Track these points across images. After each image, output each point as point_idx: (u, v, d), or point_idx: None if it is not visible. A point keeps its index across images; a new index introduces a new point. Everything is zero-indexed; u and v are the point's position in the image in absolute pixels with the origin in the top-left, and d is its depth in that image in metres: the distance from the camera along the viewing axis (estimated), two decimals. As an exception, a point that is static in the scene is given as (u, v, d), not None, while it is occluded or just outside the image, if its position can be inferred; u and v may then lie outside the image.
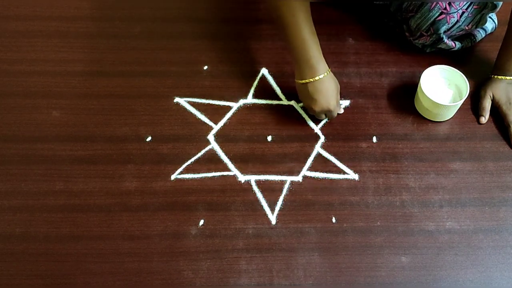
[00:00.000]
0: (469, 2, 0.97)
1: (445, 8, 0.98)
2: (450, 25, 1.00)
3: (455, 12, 0.98)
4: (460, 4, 0.97)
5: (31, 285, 0.84)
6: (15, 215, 0.90)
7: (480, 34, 1.08)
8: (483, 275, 0.86)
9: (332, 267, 0.86)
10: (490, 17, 1.09)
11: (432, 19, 1.00)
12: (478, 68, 1.07)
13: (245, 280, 0.85)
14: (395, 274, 0.86)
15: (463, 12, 0.98)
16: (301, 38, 0.90)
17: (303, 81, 0.93)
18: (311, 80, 0.92)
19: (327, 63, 1.08)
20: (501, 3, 1.01)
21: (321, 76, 0.92)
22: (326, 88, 0.93)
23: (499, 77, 1.01)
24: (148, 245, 0.88)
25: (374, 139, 0.99)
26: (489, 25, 1.09)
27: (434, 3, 0.98)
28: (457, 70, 1.00)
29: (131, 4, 1.18)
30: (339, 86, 0.97)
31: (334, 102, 0.95)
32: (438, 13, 0.99)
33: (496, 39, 1.03)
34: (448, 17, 0.98)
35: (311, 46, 0.91)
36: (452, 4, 0.97)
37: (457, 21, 1.00)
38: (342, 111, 1.02)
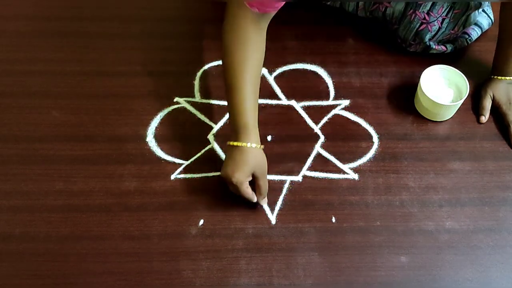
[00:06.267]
0: (448, 8, 0.98)
1: (424, 18, 0.99)
2: (434, 33, 1.01)
3: (435, 20, 0.99)
4: (439, 12, 0.98)
5: (31, 285, 0.84)
6: (15, 215, 0.90)
7: (476, 33, 1.08)
8: (482, 274, 0.86)
9: (331, 267, 0.86)
10: (485, 12, 1.09)
11: (414, 30, 1.01)
12: (478, 68, 1.07)
13: (245, 280, 0.85)
14: (395, 274, 0.86)
15: (443, 19, 0.99)
16: (243, 102, 0.85)
17: (232, 143, 0.86)
18: (237, 144, 0.85)
19: (327, 63, 1.09)
20: None
21: (248, 145, 0.84)
22: (244, 159, 0.84)
23: (499, 77, 1.01)
24: (148, 245, 0.88)
25: (374, 139, 0.99)
26: (485, 22, 1.09)
27: (413, 15, 0.99)
28: (457, 70, 1.00)
29: (131, 4, 1.18)
30: (262, 167, 0.87)
31: (240, 176, 0.84)
32: (419, 24, 1.00)
33: (495, 38, 1.02)
34: (429, 26, 0.99)
35: (249, 112, 0.85)
36: (431, 13, 0.98)
37: (439, 28, 1.00)
38: (263, 203, 0.90)
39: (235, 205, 0.92)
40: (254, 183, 0.88)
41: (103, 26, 1.14)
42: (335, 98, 1.04)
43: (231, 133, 0.87)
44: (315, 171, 0.96)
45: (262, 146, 0.87)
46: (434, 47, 1.04)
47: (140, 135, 0.99)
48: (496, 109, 1.02)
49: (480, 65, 1.08)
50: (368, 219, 0.91)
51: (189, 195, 0.93)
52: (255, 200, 0.88)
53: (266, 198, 0.90)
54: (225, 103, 1.03)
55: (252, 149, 0.85)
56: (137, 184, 0.93)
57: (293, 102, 1.04)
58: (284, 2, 0.83)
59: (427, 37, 1.03)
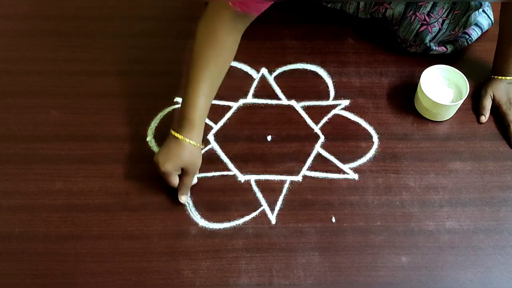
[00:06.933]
0: (448, 9, 0.98)
1: (425, 20, 0.99)
2: (434, 34, 1.01)
3: (435, 22, 0.99)
4: (439, 13, 0.98)
5: (30, 285, 0.84)
6: (14, 215, 0.90)
7: (476, 33, 1.08)
8: (483, 275, 0.86)
9: (331, 267, 0.86)
10: (485, 12, 1.09)
11: (415, 31, 1.01)
12: (478, 68, 1.07)
13: (245, 280, 0.85)
14: (395, 274, 0.86)
15: (443, 20, 0.99)
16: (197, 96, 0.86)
17: (174, 133, 0.87)
18: (177, 136, 0.86)
19: (327, 63, 1.09)
20: None
21: (187, 140, 0.85)
22: (179, 152, 0.86)
23: (499, 77, 1.01)
24: (147, 245, 0.88)
25: (374, 139, 0.99)
26: (485, 22, 1.09)
27: (413, 16, 0.99)
28: (457, 70, 1.00)
29: (131, 4, 1.18)
30: (193, 165, 0.88)
31: (169, 167, 0.86)
32: (419, 25, 1.00)
33: (495, 38, 1.02)
34: (429, 27, 0.99)
35: (199, 109, 0.86)
36: (431, 14, 0.98)
37: (440, 29, 1.00)
38: (183, 199, 0.89)
39: (235, 205, 0.91)
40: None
41: (103, 25, 1.14)
42: (335, 98, 1.04)
43: (176, 121, 0.88)
44: (315, 171, 0.96)
45: (202, 146, 0.88)
46: (434, 48, 1.05)
47: (140, 135, 0.99)
48: (496, 109, 1.02)
49: (480, 65, 1.08)
50: (368, 219, 0.91)
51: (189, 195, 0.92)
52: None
53: (185, 196, 0.90)
54: (225, 103, 1.03)
55: (190, 145, 0.86)
56: (137, 184, 0.93)
57: (293, 102, 1.04)
58: (269, 5, 0.81)
59: (428, 38, 1.03)
